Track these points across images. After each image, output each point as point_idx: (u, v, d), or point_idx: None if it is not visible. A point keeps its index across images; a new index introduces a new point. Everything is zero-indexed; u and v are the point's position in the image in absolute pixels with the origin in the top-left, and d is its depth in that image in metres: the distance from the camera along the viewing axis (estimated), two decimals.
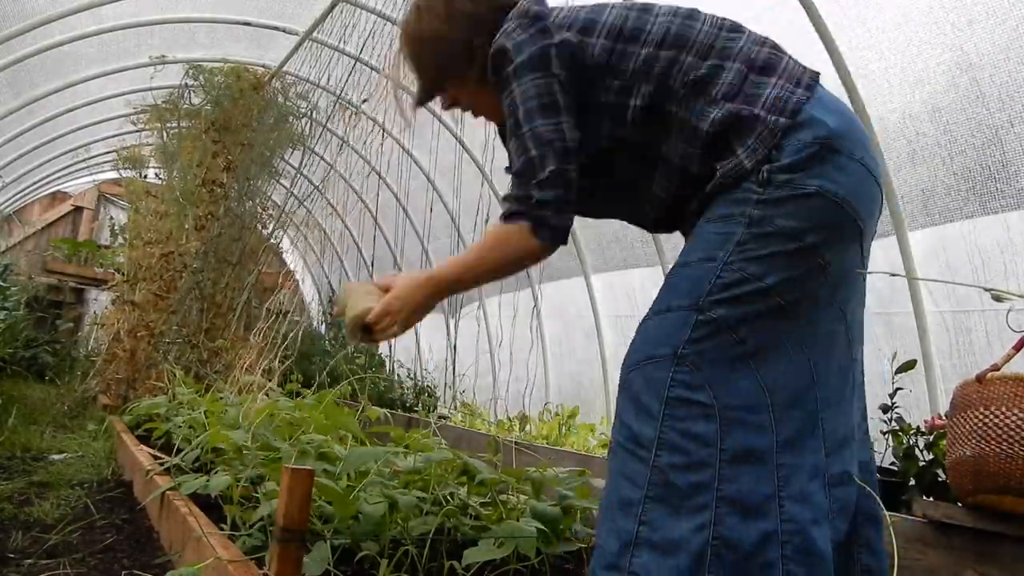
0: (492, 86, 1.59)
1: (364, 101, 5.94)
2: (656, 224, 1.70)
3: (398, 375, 8.08)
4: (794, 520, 1.29)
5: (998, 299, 1.58)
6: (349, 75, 6.11)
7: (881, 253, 3.60)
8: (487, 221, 5.91)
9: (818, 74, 1.49)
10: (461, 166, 6.49)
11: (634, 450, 1.35)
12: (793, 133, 1.38)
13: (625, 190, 1.62)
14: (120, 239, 10.52)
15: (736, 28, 1.53)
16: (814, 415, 1.37)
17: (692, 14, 1.54)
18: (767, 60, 1.47)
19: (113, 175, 9.84)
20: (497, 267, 1.58)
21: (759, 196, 1.37)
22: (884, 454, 2.44)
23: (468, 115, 1.80)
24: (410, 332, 9.47)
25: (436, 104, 1.77)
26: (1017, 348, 2.05)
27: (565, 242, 1.54)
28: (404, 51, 1.73)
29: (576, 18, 1.56)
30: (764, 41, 1.52)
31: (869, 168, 1.42)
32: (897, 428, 2.46)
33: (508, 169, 1.57)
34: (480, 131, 5.73)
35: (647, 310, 1.46)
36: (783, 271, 1.35)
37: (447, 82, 1.72)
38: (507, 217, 1.52)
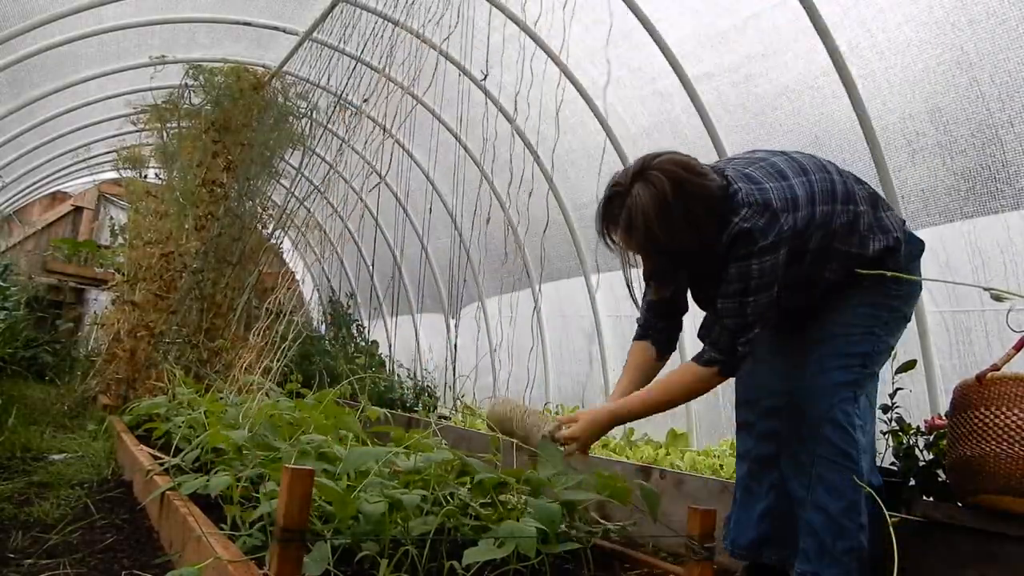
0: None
1: (364, 101, 5.93)
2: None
3: (398, 375, 8.07)
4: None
5: (998, 299, 1.58)
6: (349, 75, 6.11)
7: None
8: (488, 221, 5.90)
9: None
10: (462, 166, 6.48)
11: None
12: None
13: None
14: (120, 239, 10.51)
15: None
16: None
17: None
18: None
19: (113, 175, 9.83)
20: (681, 402, 2.06)
21: None
22: (884, 454, 2.43)
23: (467, 116, 1.84)
24: (410, 332, 9.46)
25: (436, 104, 1.79)
26: (1017, 348, 2.05)
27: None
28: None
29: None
30: None
31: None
32: (897, 428, 2.45)
33: (716, 321, 1.95)
34: (479, 131, 5.73)
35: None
36: None
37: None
38: (708, 363, 1.95)
